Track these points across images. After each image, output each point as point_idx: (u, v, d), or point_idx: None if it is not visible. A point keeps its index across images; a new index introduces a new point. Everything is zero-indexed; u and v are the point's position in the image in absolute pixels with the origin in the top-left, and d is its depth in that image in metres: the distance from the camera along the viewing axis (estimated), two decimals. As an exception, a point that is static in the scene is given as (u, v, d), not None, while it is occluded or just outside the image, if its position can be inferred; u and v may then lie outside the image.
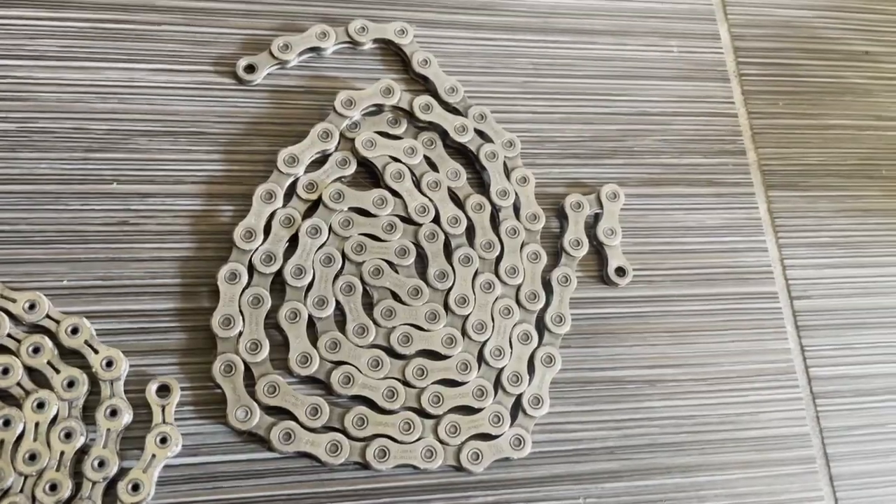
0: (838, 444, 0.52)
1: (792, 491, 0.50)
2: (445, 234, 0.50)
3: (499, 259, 0.51)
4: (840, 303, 0.55)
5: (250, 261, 0.47)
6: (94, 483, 0.41)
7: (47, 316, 0.44)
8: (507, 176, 0.52)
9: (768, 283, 0.55)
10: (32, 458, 0.41)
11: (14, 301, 0.43)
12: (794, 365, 0.53)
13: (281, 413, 0.44)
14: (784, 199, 0.58)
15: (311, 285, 0.47)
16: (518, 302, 0.50)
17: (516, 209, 0.52)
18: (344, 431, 0.45)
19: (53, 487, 0.41)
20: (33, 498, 0.40)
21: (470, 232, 0.51)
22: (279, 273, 0.47)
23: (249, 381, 0.45)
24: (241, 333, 0.45)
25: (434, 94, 0.53)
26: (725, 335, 0.53)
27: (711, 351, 0.52)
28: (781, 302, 0.55)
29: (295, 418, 0.44)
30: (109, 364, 0.43)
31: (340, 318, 0.47)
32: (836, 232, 0.57)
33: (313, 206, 0.49)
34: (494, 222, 0.51)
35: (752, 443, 0.50)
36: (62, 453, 0.41)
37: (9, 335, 0.43)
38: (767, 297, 0.55)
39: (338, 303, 0.47)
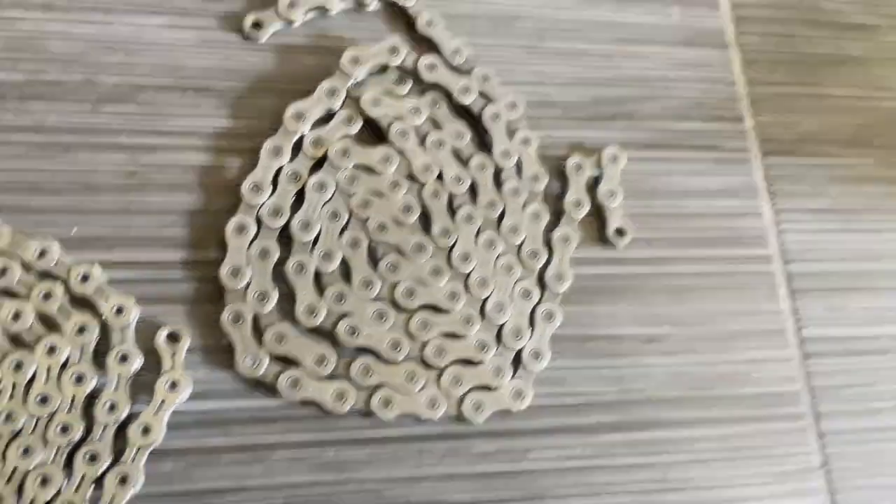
0: (828, 402, 0.53)
1: (783, 445, 0.52)
2: (449, 192, 0.51)
3: (501, 218, 0.51)
4: (832, 266, 0.57)
5: (258, 214, 0.48)
6: (105, 426, 0.42)
7: (58, 262, 0.44)
8: (510, 137, 0.53)
9: (762, 246, 0.56)
10: (44, 400, 0.42)
11: (25, 248, 0.44)
12: (785, 326, 0.55)
13: (287, 362, 0.46)
14: (780, 166, 0.59)
15: (317, 239, 0.48)
16: (519, 259, 0.51)
17: (518, 169, 0.53)
18: (349, 380, 0.46)
19: (65, 429, 0.42)
20: (45, 440, 0.41)
21: (473, 191, 0.52)
22: (286, 227, 0.48)
23: (256, 331, 0.46)
24: (248, 285, 0.46)
25: (439, 54, 0.54)
26: (720, 296, 0.54)
27: (706, 311, 0.53)
28: (775, 265, 0.56)
29: (301, 367, 0.46)
30: (120, 311, 0.44)
31: (345, 272, 0.48)
32: (830, 198, 0.59)
33: (319, 163, 0.50)
34: (497, 182, 0.52)
35: (746, 400, 0.52)
36: (73, 397, 0.42)
37: (20, 281, 0.44)
38: (761, 260, 0.56)
39: (343, 257, 0.48)
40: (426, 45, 0.55)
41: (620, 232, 0.53)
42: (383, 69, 0.53)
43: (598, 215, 0.54)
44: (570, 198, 0.53)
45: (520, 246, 0.51)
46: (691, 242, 0.55)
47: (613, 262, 0.53)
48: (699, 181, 0.57)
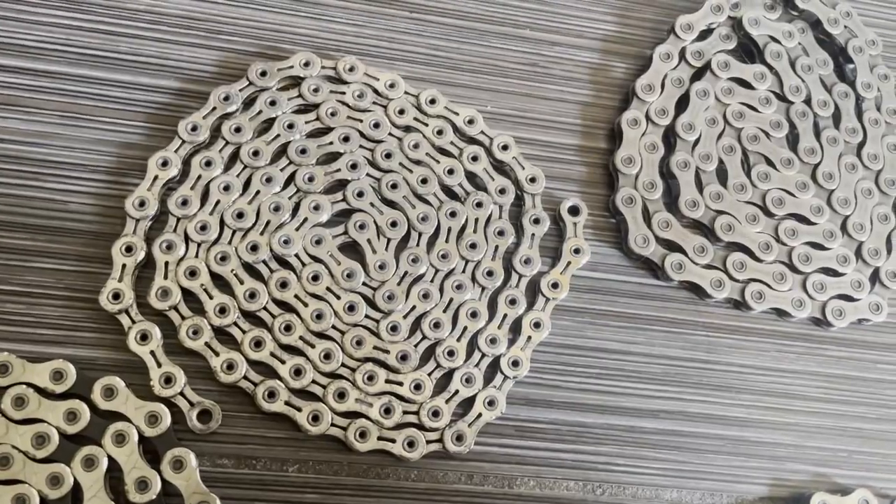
0: None
1: None
2: (814, 114, 0.54)
3: (861, 145, 0.54)
4: None
5: (647, 112, 0.52)
6: (521, 276, 0.47)
7: (482, 132, 0.50)
8: (871, 70, 0.55)
9: None
10: (473, 246, 0.47)
11: (457, 114, 0.50)
12: None
13: (670, 247, 0.50)
14: None
15: (697, 141, 0.52)
16: (878, 185, 0.53)
17: (878, 103, 0.55)
18: (725, 271, 0.50)
19: (490, 273, 0.47)
20: (473, 279, 0.47)
21: (836, 117, 0.54)
22: (671, 126, 0.52)
23: (644, 216, 0.49)
24: (638, 174, 0.51)
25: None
26: None
27: None
28: None
29: (684, 252, 0.50)
30: (532, 180, 0.49)
31: (721, 174, 0.51)
32: None
33: (700, 72, 0.54)
34: (858, 111, 0.55)
35: None
36: (496, 247, 0.48)
37: (452, 143, 0.49)
38: None
39: (720, 159, 0.52)
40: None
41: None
42: (759, -7, 0.56)
43: (948, 155, 0.56)
44: (926, 134, 0.55)
45: (878, 173, 0.53)
46: None
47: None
48: None
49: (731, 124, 0.53)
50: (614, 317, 0.49)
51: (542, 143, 0.51)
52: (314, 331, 0.44)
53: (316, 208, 0.46)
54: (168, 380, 0.42)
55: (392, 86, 0.50)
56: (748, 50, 0.55)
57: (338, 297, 0.45)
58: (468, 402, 0.45)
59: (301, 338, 0.44)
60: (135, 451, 0.40)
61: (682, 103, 0.53)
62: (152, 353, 0.42)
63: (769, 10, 0.56)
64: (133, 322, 0.43)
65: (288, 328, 0.44)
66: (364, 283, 0.46)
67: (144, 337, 0.43)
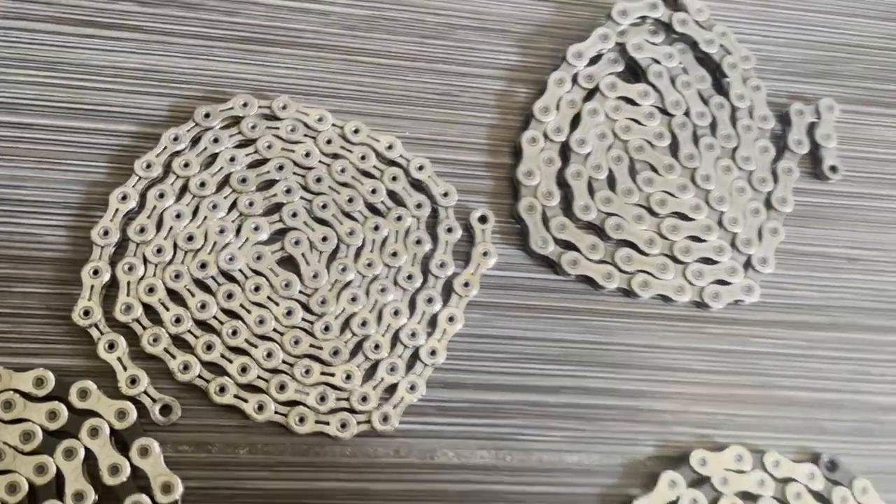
0: None
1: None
2: (693, 124, 0.62)
3: (735, 149, 0.62)
4: None
5: (544, 131, 0.60)
6: (437, 278, 0.55)
7: (401, 156, 0.57)
8: (744, 83, 0.63)
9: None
10: (394, 254, 0.55)
11: (378, 141, 0.57)
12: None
13: (567, 247, 0.57)
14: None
15: (589, 154, 0.60)
16: (751, 184, 0.61)
17: (750, 111, 0.63)
18: (615, 265, 0.57)
19: (410, 277, 0.55)
20: (395, 283, 0.54)
21: (712, 126, 0.62)
22: (565, 142, 0.60)
23: (543, 220, 0.57)
24: (538, 185, 0.58)
25: (686, 12, 0.64)
26: (917, 229, 0.63)
27: (904, 241, 0.63)
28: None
29: (579, 250, 0.57)
30: (445, 195, 0.57)
31: (611, 181, 0.59)
32: None
33: (591, 93, 0.61)
34: (733, 120, 0.63)
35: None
36: (415, 254, 0.55)
37: (374, 166, 0.57)
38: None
39: (609, 169, 0.60)
40: (673, 3, 0.65)
41: (834, 169, 0.63)
42: (642, 20, 0.64)
43: (814, 155, 0.63)
44: (792, 137, 0.63)
45: (751, 173, 0.61)
46: (893, 184, 0.64)
47: (826, 195, 0.63)
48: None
49: (619, 137, 0.60)
50: (519, 309, 0.56)
51: (454, 161, 0.59)
52: (257, 334, 0.52)
53: (256, 229, 0.54)
54: (133, 381, 0.50)
55: (320, 119, 0.57)
56: (634, 71, 0.63)
57: (277, 304, 0.53)
58: (392, 388, 0.52)
59: (246, 340, 0.52)
60: (107, 443, 0.48)
61: (576, 121, 0.61)
62: (119, 359, 0.50)
63: (653, 34, 0.64)
64: (102, 334, 0.51)
65: (234, 333, 0.52)
66: (300, 291, 0.54)
67: (112, 346, 0.50)
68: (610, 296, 0.58)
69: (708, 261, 0.59)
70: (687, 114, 0.62)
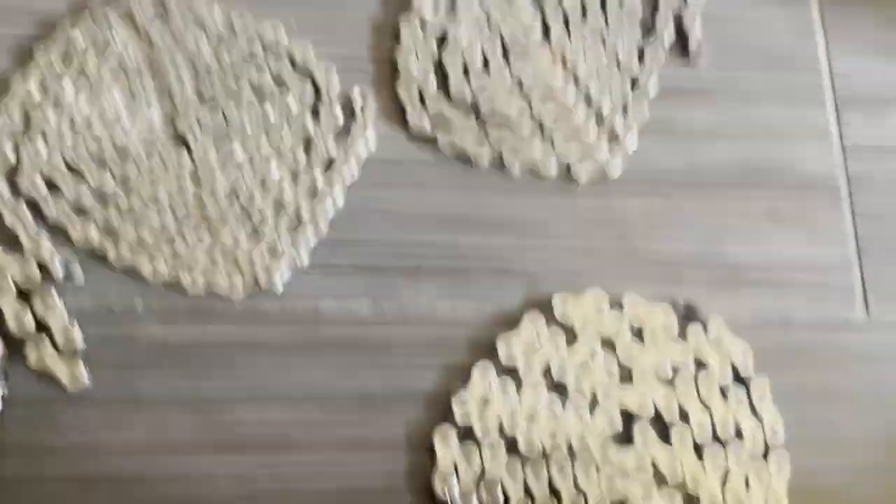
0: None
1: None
2: (563, 9, 0.66)
3: (603, 31, 0.66)
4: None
5: (421, 15, 0.64)
6: (320, 156, 0.60)
7: (285, 40, 0.62)
8: (615, -31, 0.67)
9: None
10: (279, 135, 0.60)
11: (262, 25, 0.62)
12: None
13: (444, 124, 0.62)
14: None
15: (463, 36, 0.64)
16: (618, 63, 0.66)
17: (621, -5, 0.67)
18: (488, 142, 0.62)
19: (293, 156, 0.60)
20: (280, 157, 0.59)
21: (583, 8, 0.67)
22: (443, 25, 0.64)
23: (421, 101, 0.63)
24: (416, 65, 0.63)
25: None
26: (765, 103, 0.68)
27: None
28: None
29: (453, 127, 0.62)
30: (328, 76, 0.61)
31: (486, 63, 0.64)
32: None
33: (468, -19, 0.65)
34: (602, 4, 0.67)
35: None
36: (300, 135, 0.60)
37: (259, 51, 0.61)
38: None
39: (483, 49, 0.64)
40: None
41: (698, 51, 0.68)
42: None
43: (680, 35, 0.68)
44: (660, 19, 0.67)
45: (618, 53, 0.66)
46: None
47: (692, 76, 0.68)
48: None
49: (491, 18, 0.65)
50: (399, 186, 0.61)
51: (337, 43, 0.64)
52: (149, 200, 0.58)
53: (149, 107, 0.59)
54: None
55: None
56: (510, -42, 0.67)
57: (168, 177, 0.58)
58: (278, 252, 0.58)
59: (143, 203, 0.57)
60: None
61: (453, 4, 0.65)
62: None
63: None
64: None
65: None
66: (190, 168, 0.59)
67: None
68: (485, 172, 0.63)
69: (575, 135, 0.64)
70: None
